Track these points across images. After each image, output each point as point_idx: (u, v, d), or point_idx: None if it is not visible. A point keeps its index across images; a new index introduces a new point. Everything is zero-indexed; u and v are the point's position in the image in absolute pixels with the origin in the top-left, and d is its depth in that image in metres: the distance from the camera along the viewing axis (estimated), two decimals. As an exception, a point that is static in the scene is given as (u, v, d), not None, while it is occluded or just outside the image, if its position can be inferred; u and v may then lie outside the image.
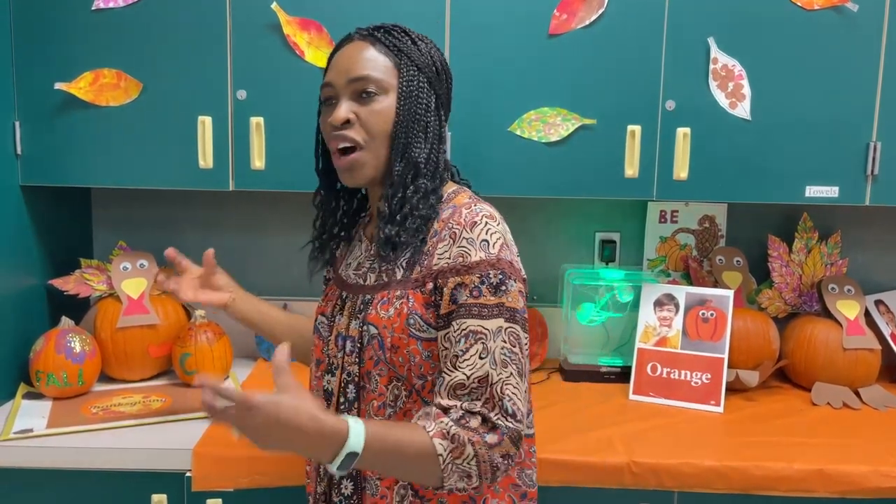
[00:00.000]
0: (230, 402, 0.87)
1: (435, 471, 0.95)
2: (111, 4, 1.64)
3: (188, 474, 1.44)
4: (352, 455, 0.91)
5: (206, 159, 1.67)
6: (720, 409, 1.71)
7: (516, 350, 1.02)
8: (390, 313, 1.06)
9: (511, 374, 1.00)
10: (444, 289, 1.03)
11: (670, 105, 1.66)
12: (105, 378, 1.82)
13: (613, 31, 1.64)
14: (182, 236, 2.08)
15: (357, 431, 0.91)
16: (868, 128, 1.67)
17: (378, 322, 1.06)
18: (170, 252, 1.37)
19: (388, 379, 1.07)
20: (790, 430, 1.60)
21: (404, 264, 1.08)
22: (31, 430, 1.50)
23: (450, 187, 1.14)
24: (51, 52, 1.65)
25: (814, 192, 1.69)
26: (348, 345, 1.10)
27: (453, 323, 1.01)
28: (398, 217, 1.06)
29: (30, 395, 1.71)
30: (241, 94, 1.66)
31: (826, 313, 1.89)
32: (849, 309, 1.87)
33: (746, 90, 1.66)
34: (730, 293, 1.83)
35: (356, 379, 1.09)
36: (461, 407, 0.98)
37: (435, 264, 1.05)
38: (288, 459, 1.39)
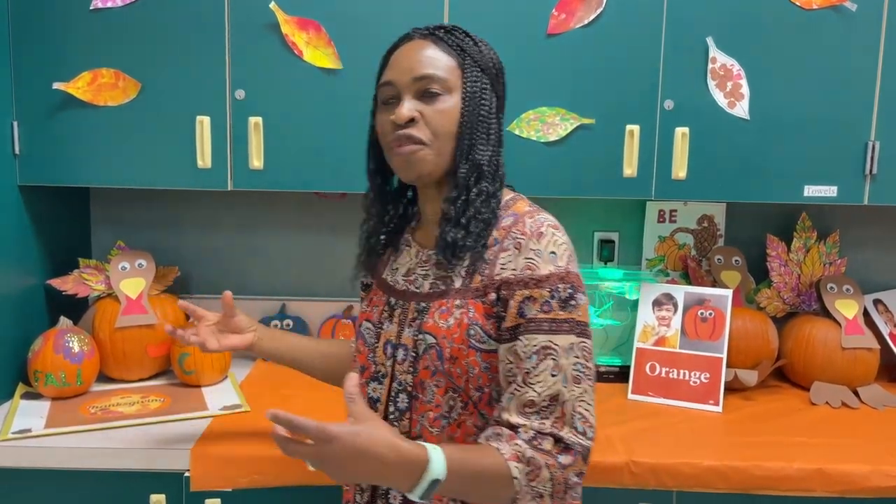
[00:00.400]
0: (306, 434, 0.85)
1: (509, 493, 0.94)
2: (109, 4, 1.63)
3: (186, 474, 1.44)
4: (435, 482, 0.89)
5: (204, 159, 1.67)
6: (719, 409, 1.71)
7: (590, 364, 1.00)
8: (450, 323, 1.02)
9: (585, 390, 0.99)
10: (511, 301, 1.00)
11: (669, 104, 1.66)
12: (103, 378, 1.82)
13: (612, 31, 1.64)
14: (180, 236, 2.08)
15: (437, 458, 0.90)
16: (867, 127, 1.67)
17: (437, 332, 1.03)
18: (184, 307, 1.39)
19: (444, 390, 1.03)
20: (789, 429, 1.60)
21: (463, 272, 1.05)
22: (29, 430, 1.50)
23: (507, 193, 1.12)
24: (49, 52, 1.65)
25: (812, 191, 1.69)
26: (400, 353, 1.07)
27: (522, 338, 0.99)
28: (462, 220, 1.04)
29: (28, 395, 1.70)
30: (240, 94, 1.66)
31: (825, 313, 1.89)
32: (847, 308, 1.87)
33: (745, 90, 1.66)
34: (728, 293, 1.83)
35: (409, 388, 1.06)
36: (531, 426, 0.96)
37: (497, 274, 1.02)
38: (286, 460, 1.38)
